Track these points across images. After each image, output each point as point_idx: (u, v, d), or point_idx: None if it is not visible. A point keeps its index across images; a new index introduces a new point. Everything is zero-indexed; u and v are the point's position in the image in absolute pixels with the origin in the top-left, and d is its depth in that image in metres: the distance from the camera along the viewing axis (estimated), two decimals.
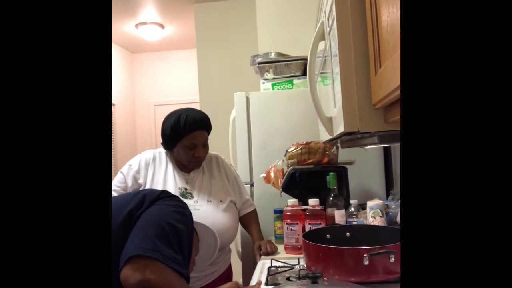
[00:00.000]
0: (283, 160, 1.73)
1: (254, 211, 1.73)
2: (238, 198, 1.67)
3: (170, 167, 1.61)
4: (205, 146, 1.58)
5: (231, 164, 1.76)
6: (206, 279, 1.51)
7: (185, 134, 1.51)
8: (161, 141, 1.61)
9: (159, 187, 1.55)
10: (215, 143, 3.45)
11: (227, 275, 1.64)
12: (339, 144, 1.65)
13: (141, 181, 1.57)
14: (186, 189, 1.57)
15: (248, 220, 1.69)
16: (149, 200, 1.05)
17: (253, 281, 1.26)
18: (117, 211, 1.01)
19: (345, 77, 0.80)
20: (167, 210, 1.02)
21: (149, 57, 5.25)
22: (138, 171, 1.58)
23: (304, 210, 1.53)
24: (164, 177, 1.58)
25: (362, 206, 1.54)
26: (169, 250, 0.92)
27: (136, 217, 1.01)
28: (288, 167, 1.69)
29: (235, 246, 1.98)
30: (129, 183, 1.57)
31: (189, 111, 1.54)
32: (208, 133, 1.59)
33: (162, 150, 1.64)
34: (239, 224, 1.72)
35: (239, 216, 1.69)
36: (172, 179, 1.58)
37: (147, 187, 1.57)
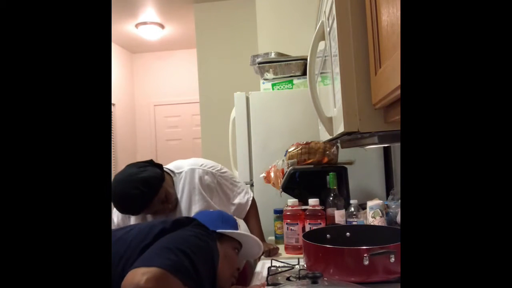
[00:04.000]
0: (283, 160, 1.73)
1: (253, 206, 1.66)
2: (227, 206, 1.60)
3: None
4: (164, 203, 1.43)
5: (212, 166, 1.61)
6: None
7: (152, 199, 1.38)
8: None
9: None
10: (215, 143, 3.48)
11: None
12: (339, 144, 1.65)
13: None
14: None
15: (248, 220, 1.68)
16: (179, 224, 1.07)
17: (253, 282, 1.26)
18: (148, 231, 1.04)
19: (345, 77, 0.80)
20: (187, 235, 1.03)
21: (149, 57, 5.26)
22: (118, 226, 1.52)
23: (304, 210, 1.53)
24: (141, 219, 1.50)
25: (362, 206, 1.54)
26: (173, 258, 0.92)
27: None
28: (288, 167, 1.69)
29: None
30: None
31: (141, 173, 1.37)
32: (157, 196, 1.38)
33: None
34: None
35: (240, 218, 1.68)
36: (150, 218, 1.49)
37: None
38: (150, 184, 1.36)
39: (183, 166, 1.56)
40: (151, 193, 1.36)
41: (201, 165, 1.57)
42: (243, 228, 1.57)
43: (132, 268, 0.90)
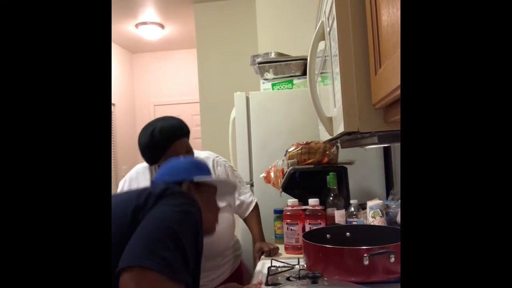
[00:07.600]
0: (283, 160, 1.73)
1: (255, 208, 1.68)
2: (233, 200, 1.62)
3: None
4: (189, 152, 1.48)
5: (225, 160, 1.66)
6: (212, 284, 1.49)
7: (164, 150, 1.39)
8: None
9: None
10: (215, 143, 3.48)
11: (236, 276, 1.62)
12: (339, 144, 1.65)
13: None
14: None
15: (249, 220, 1.68)
16: (153, 198, 0.98)
17: (254, 281, 1.26)
18: (123, 212, 0.96)
19: (345, 77, 0.80)
20: (169, 211, 0.95)
21: (149, 57, 5.25)
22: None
23: (304, 210, 1.53)
24: None
25: (362, 206, 1.54)
26: (168, 256, 0.86)
27: (140, 217, 0.95)
28: (288, 167, 1.69)
29: None
30: None
31: (160, 122, 1.42)
32: (188, 137, 1.48)
33: (146, 165, 1.54)
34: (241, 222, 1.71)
35: (241, 218, 1.68)
36: None
37: None
38: (179, 123, 1.45)
39: (198, 154, 1.62)
40: (187, 129, 1.46)
41: (216, 157, 1.64)
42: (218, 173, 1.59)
43: (120, 266, 0.84)
